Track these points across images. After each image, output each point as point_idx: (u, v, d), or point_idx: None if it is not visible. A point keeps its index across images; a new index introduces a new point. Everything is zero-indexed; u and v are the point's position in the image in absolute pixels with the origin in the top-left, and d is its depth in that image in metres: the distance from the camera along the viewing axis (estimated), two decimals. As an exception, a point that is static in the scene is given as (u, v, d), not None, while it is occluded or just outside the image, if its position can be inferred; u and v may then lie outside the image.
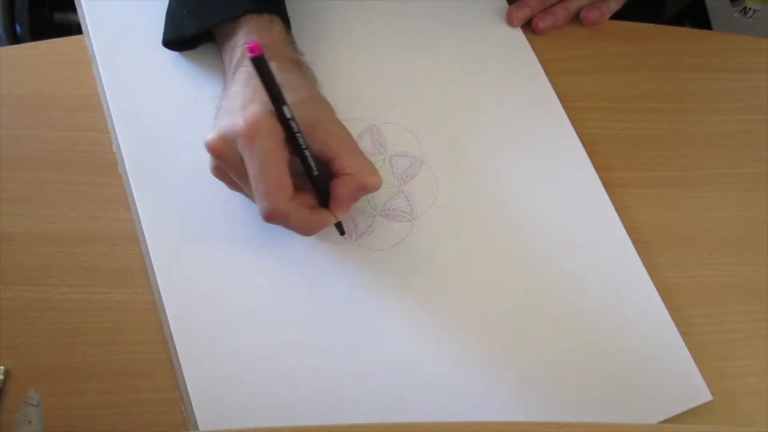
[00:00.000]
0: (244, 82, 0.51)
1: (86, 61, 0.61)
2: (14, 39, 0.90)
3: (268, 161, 0.47)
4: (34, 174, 0.57)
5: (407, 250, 0.54)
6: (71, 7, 0.98)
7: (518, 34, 0.62)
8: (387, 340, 0.51)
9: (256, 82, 0.48)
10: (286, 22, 0.56)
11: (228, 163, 0.49)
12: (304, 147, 0.49)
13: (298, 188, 0.49)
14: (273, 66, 0.47)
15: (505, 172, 0.56)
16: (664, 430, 0.49)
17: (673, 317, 0.53)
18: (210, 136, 0.49)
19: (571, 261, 0.54)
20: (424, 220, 0.55)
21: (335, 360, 0.51)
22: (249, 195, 0.51)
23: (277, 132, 0.47)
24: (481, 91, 0.59)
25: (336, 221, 0.52)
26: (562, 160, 0.57)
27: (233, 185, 0.52)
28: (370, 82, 0.59)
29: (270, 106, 0.47)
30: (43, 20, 0.95)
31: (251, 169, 0.47)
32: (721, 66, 0.61)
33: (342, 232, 0.54)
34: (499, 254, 0.54)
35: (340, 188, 0.50)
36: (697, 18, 0.83)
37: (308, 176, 0.50)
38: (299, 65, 0.54)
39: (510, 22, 0.61)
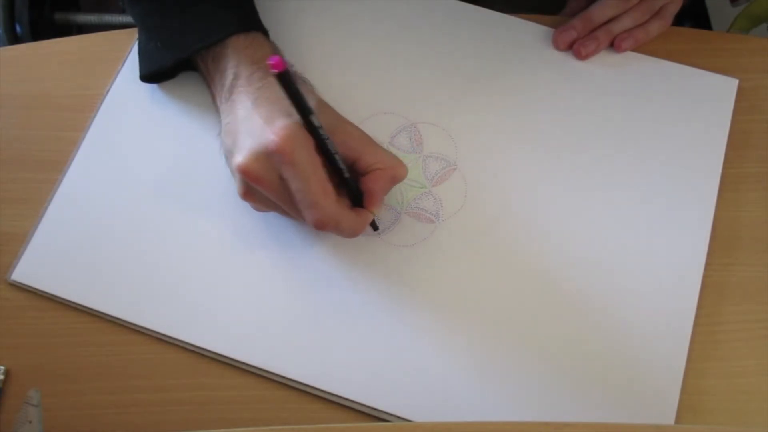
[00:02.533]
0: (251, 102, 0.50)
1: (86, 61, 0.61)
2: (14, 39, 0.91)
3: (310, 170, 0.47)
4: (34, 174, 0.57)
5: (428, 250, 0.54)
6: (71, 7, 0.98)
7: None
8: (391, 335, 0.51)
9: (266, 98, 0.49)
10: (266, 36, 0.56)
11: (264, 182, 0.48)
12: (334, 152, 0.49)
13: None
14: (275, 84, 0.46)
15: (538, 190, 0.56)
16: (665, 430, 0.49)
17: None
18: (241, 159, 0.48)
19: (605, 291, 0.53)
20: (449, 224, 0.55)
21: (334, 350, 0.51)
22: (285, 211, 0.50)
23: (309, 141, 0.47)
24: (529, 106, 0.59)
25: (373, 217, 0.52)
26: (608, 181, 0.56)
27: (264, 205, 0.51)
28: (416, 80, 0.60)
29: (294, 118, 0.47)
30: (43, 20, 0.96)
31: (295, 183, 0.47)
32: (721, 66, 0.61)
33: (376, 228, 0.54)
34: (518, 267, 0.53)
35: (373, 184, 0.51)
36: (697, 18, 0.83)
37: (339, 179, 0.50)
38: (295, 75, 0.53)
39: (556, 46, 0.61)
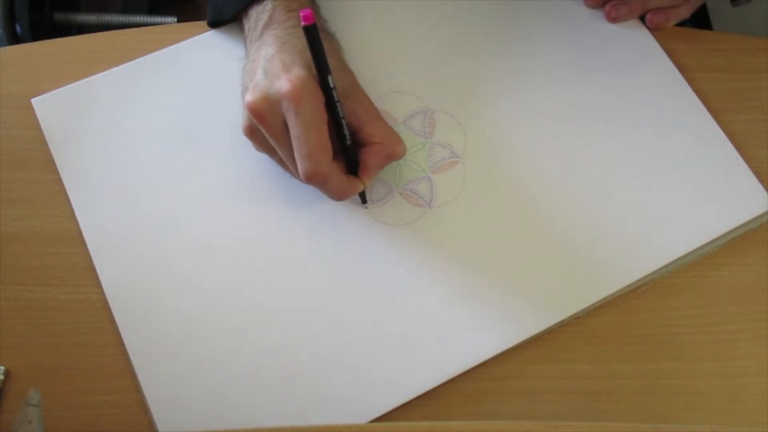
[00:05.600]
0: (278, 46, 0.52)
1: (86, 61, 0.61)
2: (14, 39, 0.90)
3: (312, 123, 0.48)
4: (34, 174, 0.57)
5: (412, 234, 0.54)
6: (71, 7, 0.98)
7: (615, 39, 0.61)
8: (361, 306, 0.52)
9: (293, 46, 0.50)
10: None
11: (267, 124, 0.50)
12: (341, 116, 0.50)
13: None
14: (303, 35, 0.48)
15: (537, 204, 0.55)
16: (665, 429, 0.49)
17: (673, 317, 0.53)
18: (251, 96, 0.50)
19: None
20: (438, 212, 0.55)
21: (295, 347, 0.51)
22: (281, 156, 0.52)
23: (320, 96, 0.49)
24: (553, 119, 0.58)
25: (363, 188, 0.53)
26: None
27: (263, 146, 0.53)
28: (444, 68, 0.60)
29: (311, 71, 0.49)
30: (43, 20, 0.95)
31: (295, 131, 0.48)
32: (721, 66, 0.61)
33: (364, 201, 0.55)
34: (497, 269, 0.53)
35: (369, 156, 0.52)
36: (697, 18, 0.83)
37: (341, 145, 0.51)
38: (324, 32, 0.55)
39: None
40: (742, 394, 0.51)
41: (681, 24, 0.63)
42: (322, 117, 0.49)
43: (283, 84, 0.48)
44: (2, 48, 0.62)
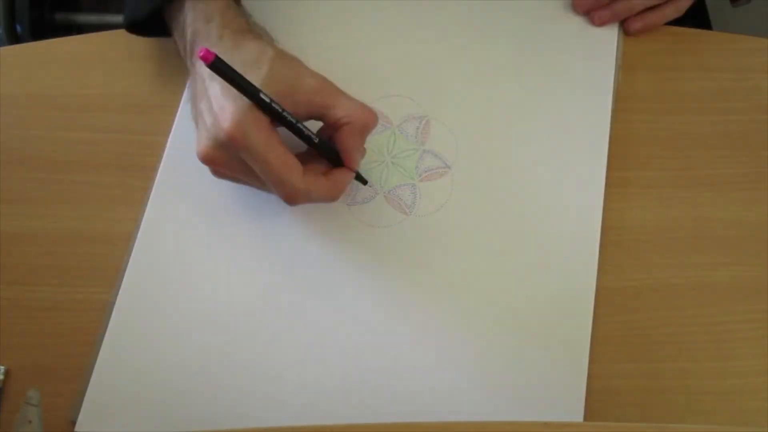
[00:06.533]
0: (207, 76, 0.49)
1: (86, 61, 0.61)
2: (14, 39, 0.91)
3: (266, 151, 0.47)
4: (34, 174, 0.57)
5: (392, 237, 0.54)
6: (71, 7, 0.98)
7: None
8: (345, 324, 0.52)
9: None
10: None
11: (227, 167, 0.49)
12: (295, 122, 0.48)
13: (307, 160, 0.50)
14: (229, 44, 0.48)
15: (527, 221, 0.55)
16: (665, 429, 0.49)
17: (673, 317, 0.53)
18: (199, 147, 0.49)
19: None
20: (418, 221, 0.55)
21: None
22: (258, 186, 0.51)
23: (262, 120, 0.47)
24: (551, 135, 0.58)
25: (354, 174, 0.52)
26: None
27: (239, 181, 0.52)
28: (442, 75, 0.59)
29: (244, 99, 0.47)
30: (44, 20, 0.95)
31: (256, 166, 0.47)
32: (721, 66, 0.61)
33: (365, 182, 0.55)
34: (482, 271, 0.53)
35: (345, 140, 0.50)
36: (697, 18, 0.83)
37: (311, 146, 0.50)
38: (250, 32, 0.52)
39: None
40: (742, 394, 0.51)
41: (681, 24, 0.63)
42: (273, 139, 0.47)
43: (220, 127, 0.46)
44: (2, 48, 0.63)
